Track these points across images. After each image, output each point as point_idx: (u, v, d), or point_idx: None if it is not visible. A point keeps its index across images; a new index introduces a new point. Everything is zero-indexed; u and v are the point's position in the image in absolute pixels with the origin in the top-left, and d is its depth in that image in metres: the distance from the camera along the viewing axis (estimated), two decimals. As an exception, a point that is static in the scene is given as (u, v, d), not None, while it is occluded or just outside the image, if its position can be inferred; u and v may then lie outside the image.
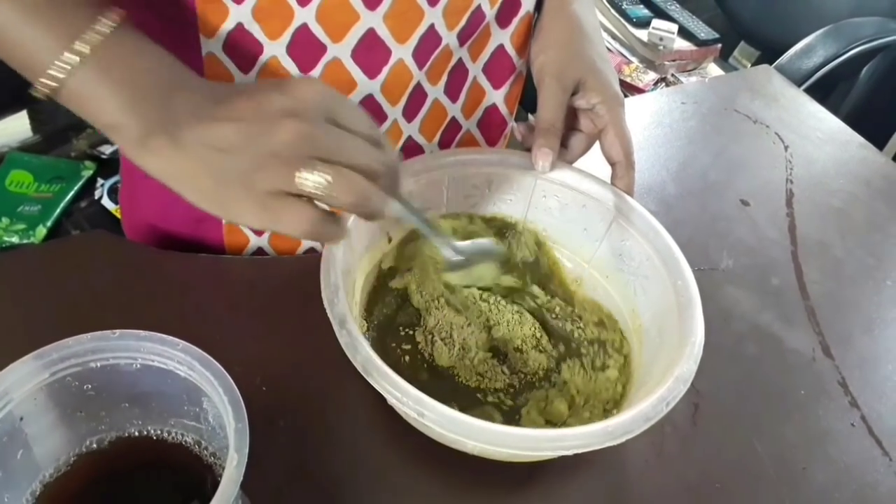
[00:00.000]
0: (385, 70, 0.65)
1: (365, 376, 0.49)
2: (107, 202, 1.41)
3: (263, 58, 0.61)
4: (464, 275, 0.64)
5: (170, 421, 0.49)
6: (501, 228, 0.71)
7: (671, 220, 0.65)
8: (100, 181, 1.45)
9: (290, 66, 0.62)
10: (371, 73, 0.65)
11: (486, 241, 0.66)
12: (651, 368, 0.60)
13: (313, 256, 0.70)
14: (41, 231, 1.34)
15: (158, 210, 0.73)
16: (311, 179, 0.43)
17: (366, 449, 0.59)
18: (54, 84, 0.44)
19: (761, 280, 0.80)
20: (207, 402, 0.45)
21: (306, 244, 0.75)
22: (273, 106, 0.44)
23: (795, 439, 0.66)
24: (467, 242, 0.63)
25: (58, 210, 1.38)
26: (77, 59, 0.43)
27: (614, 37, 2.03)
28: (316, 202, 0.45)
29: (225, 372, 0.43)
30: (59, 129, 1.51)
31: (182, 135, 0.44)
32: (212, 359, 0.44)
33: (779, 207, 0.90)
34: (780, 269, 0.82)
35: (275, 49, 0.61)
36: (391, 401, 0.49)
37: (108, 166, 1.46)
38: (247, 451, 0.40)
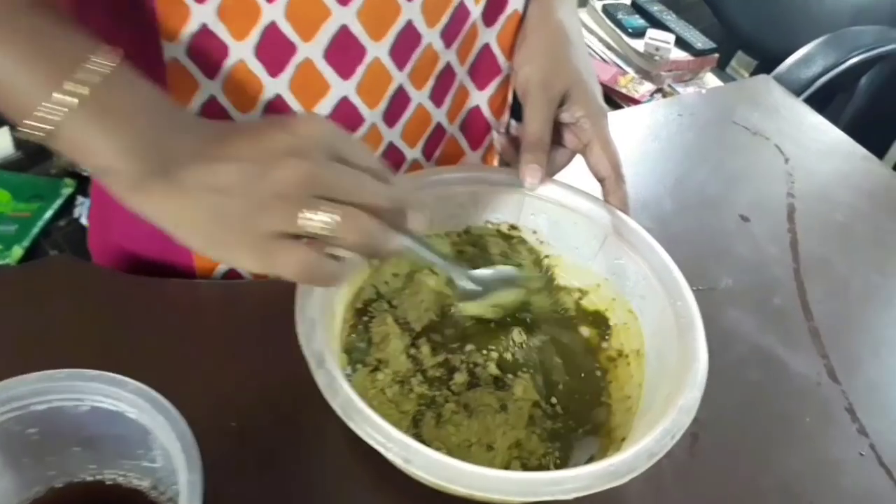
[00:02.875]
0: (360, 70, 0.62)
1: (346, 421, 0.46)
2: (86, 221, 1.37)
3: (229, 62, 0.58)
4: (480, 303, 0.62)
5: (125, 465, 0.46)
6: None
7: (668, 237, 0.62)
8: (79, 199, 1.41)
9: (258, 70, 0.59)
10: (345, 73, 0.62)
11: (507, 269, 0.64)
12: (652, 395, 0.57)
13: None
14: (17, 252, 1.30)
15: (127, 232, 0.70)
16: (316, 219, 0.42)
17: (347, 494, 0.55)
18: (43, 127, 0.41)
19: (763, 300, 0.76)
20: (159, 447, 0.41)
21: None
22: (275, 144, 0.43)
23: (801, 470, 0.62)
24: (487, 271, 0.61)
25: (35, 229, 1.34)
26: (69, 100, 0.40)
27: (609, 47, 2.01)
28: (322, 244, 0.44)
29: (179, 416, 0.40)
30: (41, 145, 1.47)
31: (180, 176, 0.42)
32: (165, 401, 0.40)
33: (780, 223, 0.86)
34: (782, 288, 0.78)
35: (242, 51, 0.57)
36: (375, 446, 0.46)
37: (89, 184, 1.43)
38: (199, 504, 0.36)
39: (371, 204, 0.44)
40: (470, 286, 0.59)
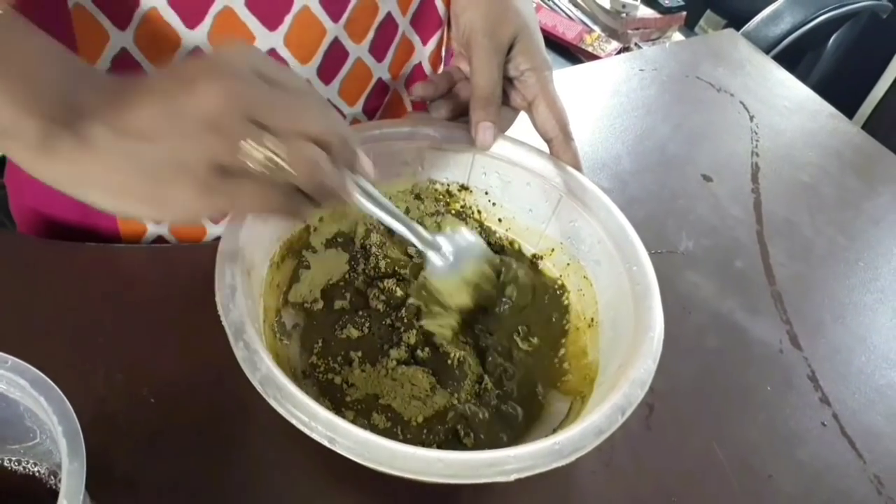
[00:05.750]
0: (287, 19, 0.56)
1: (265, 397, 0.42)
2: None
3: (142, 9, 0.52)
4: (452, 274, 0.56)
5: (19, 450, 0.41)
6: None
7: (626, 198, 0.60)
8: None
9: (173, 19, 0.53)
10: (271, 23, 0.56)
11: (466, 234, 0.57)
12: (606, 367, 0.54)
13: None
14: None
15: (41, 194, 0.64)
16: (260, 153, 0.36)
17: (281, 475, 0.51)
18: None
19: (724, 263, 0.73)
20: (45, 431, 0.37)
21: (212, 231, 0.66)
22: (190, 72, 0.37)
23: (760, 442, 0.59)
24: (445, 236, 0.56)
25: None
26: None
27: (575, 4, 1.95)
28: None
29: (63, 397, 0.35)
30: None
31: (91, 131, 0.36)
32: (48, 380, 0.35)
33: (743, 183, 0.83)
34: (744, 250, 0.75)
35: None
36: (297, 425, 0.42)
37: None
38: (80, 499, 0.32)
39: (315, 133, 0.38)
40: (438, 259, 0.54)
